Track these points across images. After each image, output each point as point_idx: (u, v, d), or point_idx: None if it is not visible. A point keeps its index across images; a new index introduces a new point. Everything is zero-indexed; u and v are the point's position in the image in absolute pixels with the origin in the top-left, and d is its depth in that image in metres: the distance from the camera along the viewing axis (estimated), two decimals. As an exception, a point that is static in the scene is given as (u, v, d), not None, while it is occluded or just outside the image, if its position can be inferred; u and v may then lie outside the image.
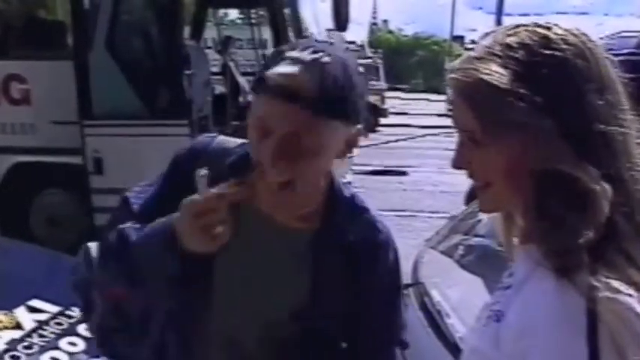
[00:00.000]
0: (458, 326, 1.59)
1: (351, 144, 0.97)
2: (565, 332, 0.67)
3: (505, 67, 0.73)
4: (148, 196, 1.06)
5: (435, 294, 1.79)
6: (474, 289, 1.97)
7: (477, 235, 2.32)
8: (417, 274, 2.20)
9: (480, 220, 2.44)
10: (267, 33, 6.08)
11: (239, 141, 1.07)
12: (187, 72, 4.59)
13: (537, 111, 0.71)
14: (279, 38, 4.90)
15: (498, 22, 19.66)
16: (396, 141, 13.83)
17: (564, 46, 0.74)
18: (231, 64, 6.20)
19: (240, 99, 5.85)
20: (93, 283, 1.07)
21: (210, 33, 7.38)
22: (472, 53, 0.77)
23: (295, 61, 0.91)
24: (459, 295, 2.03)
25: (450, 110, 0.80)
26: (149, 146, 3.97)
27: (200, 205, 0.90)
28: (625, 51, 1.91)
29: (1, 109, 4.66)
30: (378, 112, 16.75)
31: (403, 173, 9.63)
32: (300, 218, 1.01)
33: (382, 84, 18.07)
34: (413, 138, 14.72)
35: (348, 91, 0.93)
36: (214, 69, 6.03)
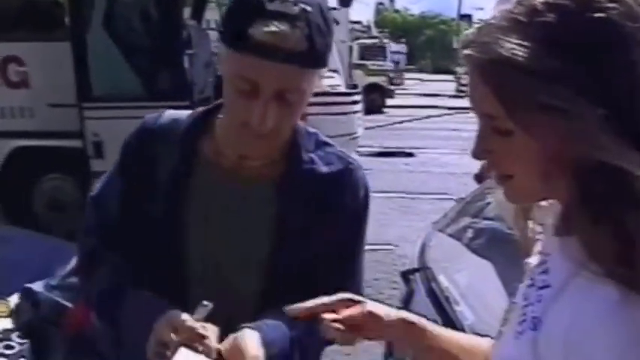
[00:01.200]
0: (467, 313, 1.50)
1: (322, 78, 0.98)
2: (633, 352, 0.58)
3: (533, 37, 0.60)
4: (103, 184, 1.08)
5: (443, 279, 1.71)
6: (484, 274, 1.89)
7: (486, 218, 2.23)
8: (424, 257, 2.12)
9: (489, 203, 2.35)
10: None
11: (187, 112, 1.07)
12: (189, 52, 4.49)
13: (576, 92, 0.58)
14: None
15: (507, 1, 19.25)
16: (403, 122, 13.71)
17: (607, 4, 0.60)
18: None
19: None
20: (45, 321, 1.04)
21: (212, 14, 7.25)
22: (491, 21, 0.64)
23: (281, 16, 0.86)
24: (467, 280, 1.95)
25: (466, 91, 0.68)
26: (149, 129, 3.88)
27: (161, 337, 0.89)
28: None
29: (-1, 92, 4.60)
30: (384, 92, 16.62)
31: (410, 154, 9.53)
32: (266, 164, 1.01)
33: (389, 64, 17.87)
34: (420, 119, 14.59)
35: (329, 37, 0.93)
36: (216, 50, 5.92)
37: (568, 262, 0.63)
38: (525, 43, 0.60)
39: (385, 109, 16.10)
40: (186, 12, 5.40)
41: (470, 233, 2.18)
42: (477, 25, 0.68)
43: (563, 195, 0.65)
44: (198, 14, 6.07)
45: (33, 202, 4.73)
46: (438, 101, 18.28)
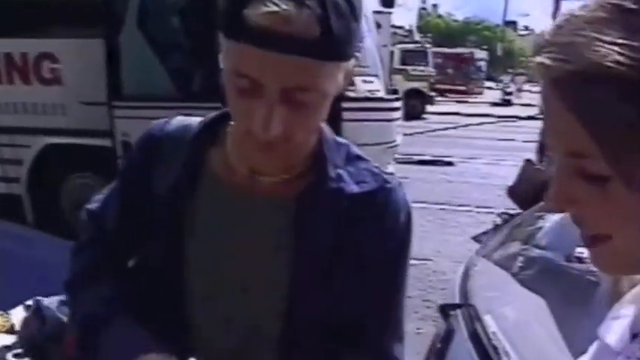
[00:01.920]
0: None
1: (349, 76, 0.78)
2: None
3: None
4: (104, 197, 0.96)
5: (490, 321, 1.48)
6: (535, 312, 1.66)
7: (537, 246, 1.99)
8: (466, 287, 1.89)
9: (540, 228, 2.10)
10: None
11: (199, 119, 0.92)
12: (222, 53, 4.37)
13: None
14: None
15: (556, 8, 18.69)
16: (443, 129, 13.37)
17: None
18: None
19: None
20: (49, 338, 0.97)
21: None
22: (577, 12, 0.45)
23: None
24: (516, 317, 1.72)
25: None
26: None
27: None
28: None
29: (32, 88, 4.57)
30: (424, 98, 16.28)
31: (449, 164, 9.23)
32: (285, 180, 0.85)
33: (430, 69, 17.54)
34: (462, 127, 14.22)
35: (353, 20, 0.72)
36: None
37: None
38: (632, 43, 0.40)
39: (425, 116, 15.78)
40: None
41: (519, 262, 1.94)
42: (556, 21, 0.47)
43: None
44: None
45: (60, 200, 4.69)
46: (480, 109, 17.84)
